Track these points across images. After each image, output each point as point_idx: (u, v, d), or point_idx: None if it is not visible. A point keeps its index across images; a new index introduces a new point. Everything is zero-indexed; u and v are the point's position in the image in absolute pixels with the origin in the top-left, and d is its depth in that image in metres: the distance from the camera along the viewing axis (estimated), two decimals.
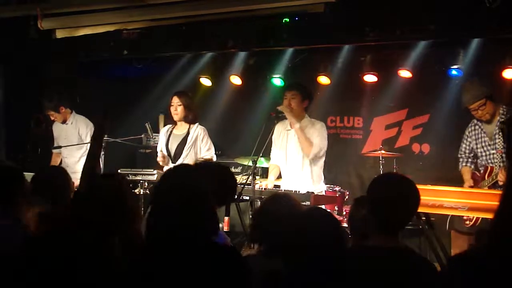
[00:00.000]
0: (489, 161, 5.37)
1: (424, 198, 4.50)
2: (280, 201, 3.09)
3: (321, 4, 5.64)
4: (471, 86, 5.46)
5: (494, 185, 5.17)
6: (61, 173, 4.09)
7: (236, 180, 3.65)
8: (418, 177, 6.44)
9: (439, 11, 5.53)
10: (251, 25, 6.34)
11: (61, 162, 7.14)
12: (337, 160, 7.40)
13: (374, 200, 2.79)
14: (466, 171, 5.63)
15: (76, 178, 4.31)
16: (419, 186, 4.66)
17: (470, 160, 5.62)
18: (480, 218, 5.06)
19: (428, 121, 7.45)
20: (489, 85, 5.39)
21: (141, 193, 6.38)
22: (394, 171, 6.81)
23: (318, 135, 5.58)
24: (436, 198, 4.52)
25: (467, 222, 5.24)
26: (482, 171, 5.46)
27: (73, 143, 6.81)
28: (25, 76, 7.61)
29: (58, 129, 7.20)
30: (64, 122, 7.05)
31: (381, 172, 6.58)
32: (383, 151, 6.82)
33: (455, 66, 6.59)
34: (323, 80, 7.41)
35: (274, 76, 7.61)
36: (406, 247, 2.94)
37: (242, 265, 2.46)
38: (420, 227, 5.20)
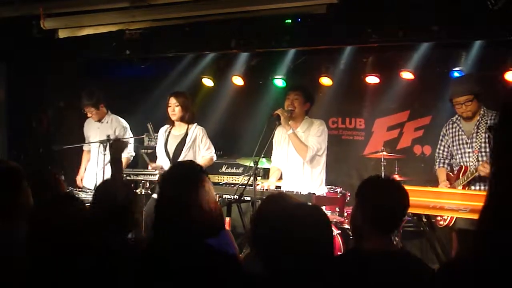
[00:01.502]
0: (464, 160, 5.30)
1: (425, 199, 4.54)
2: (274, 201, 3.07)
3: (323, 6, 5.62)
4: (463, 80, 5.48)
5: (469, 184, 5.15)
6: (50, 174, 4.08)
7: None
8: (420, 178, 6.47)
9: (442, 12, 5.53)
10: (253, 26, 6.34)
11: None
12: (338, 161, 7.41)
13: (364, 203, 2.80)
14: (441, 172, 5.56)
15: None
16: (420, 188, 4.71)
17: (446, 161, 5.57)
18: (454, 218, 5.03)
19: (430, 123, 7.45)
20: (480, 85, 5.36)
21: (143, 193, 6.38)
22: (396, 172, 6.82)
23: (315, 134, 5.55)
24: (437, 200, 4.52)
25: (441, 222, 5.21)
26: (456, 171, 5.39)
27: None
28: (27, 75, 7.61)
29: (91, 128, 7.13)
30: (100, 120, 7.02)
31: (383, 174, 6.58)
32: (384, 153, 6.82)
33: (457, 68, 6.60)
34: (325, 81, 7.43)
35: (276, 77, 7.62)
36: (401, 248, 2.96)
37: (235, 273, 2.44)
38: (422, 228, 5.21)
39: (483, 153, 5.11)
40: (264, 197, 5.04)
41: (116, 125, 6.94)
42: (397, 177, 6.72)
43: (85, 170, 7.16)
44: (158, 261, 2.41)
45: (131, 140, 7.03)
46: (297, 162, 5.58)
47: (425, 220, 5.00)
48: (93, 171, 6.66)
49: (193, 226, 2.44)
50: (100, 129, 6.94)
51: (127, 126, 7.04)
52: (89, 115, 7.00)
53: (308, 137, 5.55)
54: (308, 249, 2.44)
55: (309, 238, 2.46)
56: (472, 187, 5.11)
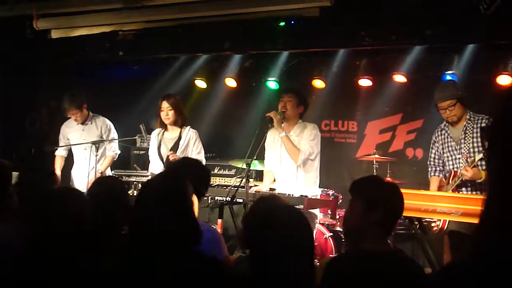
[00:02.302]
0: (455, 165, 5.26)
1: (417, 203, 4.54)
2: (265, 202, 3.06)
3: (316, 8, 5.64)
4: (446, 85, 5.48)
5: (458, 188, 5.14)
6: None
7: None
8: (412, 181, 6.48)
9: (434, 16, 5.55)
10: (246, 28, 6.34)
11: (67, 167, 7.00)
12: (331, 164, 7.40)
13: (376, 205, 2.79)
14: (433, 180, 5.50)
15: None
16: (412, 191, 4.71)
17: (439, 168, 5.50)
18: (447, 223, 5.02)
19: (422, 126, 7.46)
20: (463, 89, 5.37)
21: (135, 194, 6.37)
22: (388, 175, 6.83)
23: (307, 138, 5.54)
24: (429, 203, 4.52)
25: (435, 228, 5.20)
26: (447, 177, 5.37)
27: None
28: (20, 76, 7.57)
29: (73, 131, 6.93)
30: (83, 122, 6.85)
31: None
32: (377, 156, 6.83)
33: (449, 72, 6.62)
34: (318, 83, 7.44)
35: (269, 79, 7.63)
36: (395, 248, 2.96)
37: (222, 279, 2.43)
38: (413, 231, 5.22)
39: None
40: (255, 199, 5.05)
41: (101, 125, 6.85)
42: (389, 180, 6.73)
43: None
44: (144, 268, 2.40)
45: (116, 141, 6.95)
46: (291, 165, 5.57)
47: (417, 223, 5.00)
48: (84, 172, 6.61)
49: (180, 233, 2.44)
50: (86, 131, 6.80)
51: (112, 125, 6.92)
52: (72, 118, 6.81)
53: (301, 140, 5.55)
54: (294, 250, 2.44)
55: (294, 239, 2.46)
56: (463, 191, 5.12)
